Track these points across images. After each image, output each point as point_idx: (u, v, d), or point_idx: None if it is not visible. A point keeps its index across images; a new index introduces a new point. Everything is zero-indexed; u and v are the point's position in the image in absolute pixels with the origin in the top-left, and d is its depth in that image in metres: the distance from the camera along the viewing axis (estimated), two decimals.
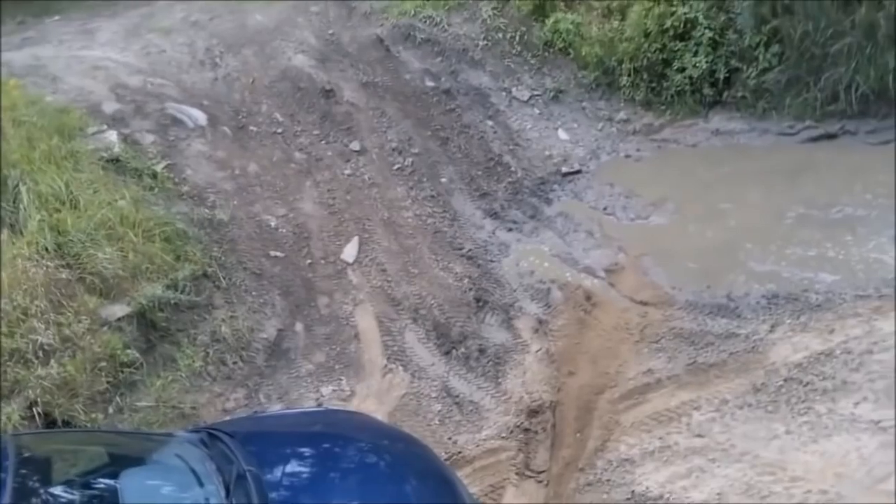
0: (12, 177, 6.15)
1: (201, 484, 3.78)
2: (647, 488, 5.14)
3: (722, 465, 5.23)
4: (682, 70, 8.48)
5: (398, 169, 8.02)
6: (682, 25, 8.43)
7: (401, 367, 6.29)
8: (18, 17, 10.13)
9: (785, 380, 5.72)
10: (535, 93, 8.94)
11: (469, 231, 7.62)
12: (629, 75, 8.71)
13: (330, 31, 9.19)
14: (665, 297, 6.77)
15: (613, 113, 8.80)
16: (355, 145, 8.13)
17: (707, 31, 8.36)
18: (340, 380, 6.17)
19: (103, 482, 3.63)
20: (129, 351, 5.55)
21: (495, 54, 9.10)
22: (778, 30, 8.15)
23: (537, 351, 6.40)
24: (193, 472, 3.85)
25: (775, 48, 8.18)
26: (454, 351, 6.49)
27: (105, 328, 5.56)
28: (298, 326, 6.51)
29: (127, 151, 6.96)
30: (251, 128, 7.98)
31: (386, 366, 6.29)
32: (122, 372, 5.49)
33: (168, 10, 9.61)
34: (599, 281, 7.01)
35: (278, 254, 6.95)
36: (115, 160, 6.84)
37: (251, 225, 7.08)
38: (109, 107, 7.57)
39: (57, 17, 9.90)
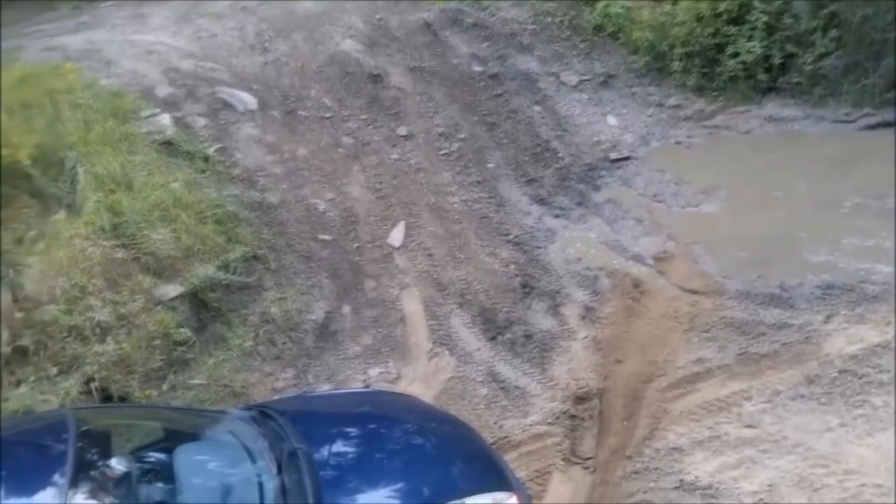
0: (69, 158, 6.29)
1: (253, 460, 3.84)
2: (697, 478, 5.07)
3: (773, 456, 5.14)
4: (736, 55, 8.32)
5: (445, 154, 8.01)
6: (736, 9, 8.28)
7: (447, 351, 6.30)
8: (73, 2, 10.34)
9: (840, 371, 5.60)
10: (584, 78, 8.85)
11: (515, 217, 7.59)
12: (681, 60, 8.57)
13: (378, 16, 9.20)
14: (716, 285, 6.67)
15: (664, 98, 8.67)
16: (402, 130, 8.14)
17: (762, 15, 8.19)
18: (387, 362, 6.20)
19: (159, 456, 3.71)
20: (182, 330, 5.65)
21: (544, 39, 9.03)
22: (836, 14, 7.95)
23: (584, 338, 6.36)
24: (246, 448, 3.92)
25: (833, 33, 7.98)
26: (500, 336, 6.48)
27: (159, 307, 5.66)
28: (346, 309, 6.56)
29: (179, 135, 7.07)
30: (300, 112, 8.04)
31: (432, 349, 6.31)
32: (176, 350, 5.60)
33: None
34: (648, 269, 6.94)
35: (326, 237, 7.00)
36: (168, 143, 6.95)
37: (300, 208, 7.14)
38: (162, 90, 7.69)
39: (110, 3, 10.08)
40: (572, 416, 5.71)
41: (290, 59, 8.53)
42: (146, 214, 6.04)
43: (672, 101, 8.66)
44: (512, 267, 6.98)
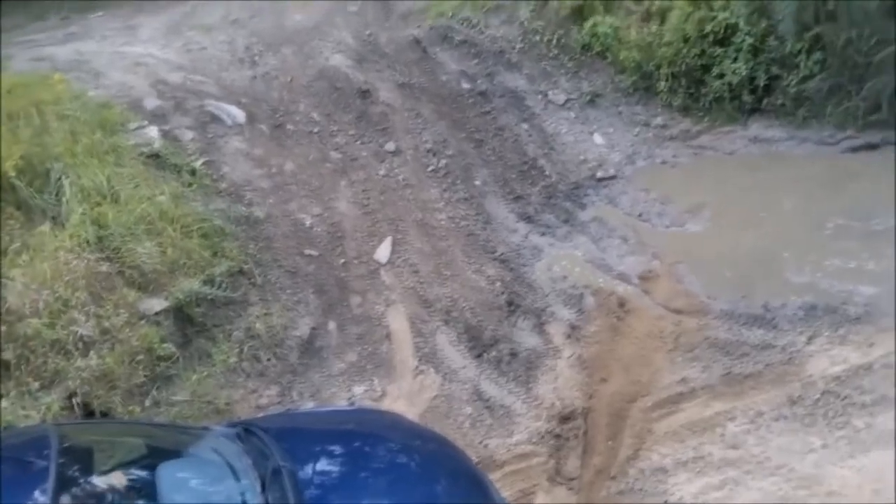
0: (55, 170, 6.26)
1: (237, 478, 3.82)
2: (681, 498, 5.11)
3: (757, 477, 5.18)
4: (722, 76, 8.38)
5: (432, 170, 8.03)
6: (722, 31, 8.33)
7: (432, 369, 6.30)
8: (63, 12, 10.32)
9: (822, 393, 5.65)
10: (572, 96, 8.90)
11: (502, 234, 7.60)
12: (667, 80, 8.63)
13: (367, 32, 9.23)
14: (700, 305, 6.70)
15: (650, 118, 8.72)
16: (390, 146, 8.15)
17: (748, 37, 8.26)
18: (372, 380, 6.19)
19: (142, 473, 3.69)
20: (165, 345, 5.63)
21: (532, 57, 9.07)
22: (820, 37, 8.02)
23: (569, 357, 6.38)
24: (229, 466, 3.90)
25: (817, 55, 8.06)
26: (485, 354, 6.49)
27: (143, 322, 5.63)
28: (331, 325, 6.55)
29: (167, 147, 7.06)
30: (288, 126, 8.05)
31: (417, 367, 6.31)
32: (159, 365, 5.57)
33: (209, 8, 9.73)
34: (633, 288, 6.96)
35: (313, 252, 7.00)
36: (155, 156, 6.94)
37: (287, 223, 7.13)
38: (150, 103, 7.68)
39: (100, 13, 10.06)
40: (557, 436, 5.72)
41: (279, 74, 8.54)
42: (132, 227, 6.01)
43: (658, 120, 8.72)
44: (498, 284, 6.99)
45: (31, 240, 5.77)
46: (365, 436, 4.56)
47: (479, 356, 6.46)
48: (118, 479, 3.55)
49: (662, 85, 8.69)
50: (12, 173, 5.94)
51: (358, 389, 6.08)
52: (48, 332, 5.26)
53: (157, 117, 7.50)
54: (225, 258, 6.37)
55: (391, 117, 8.40)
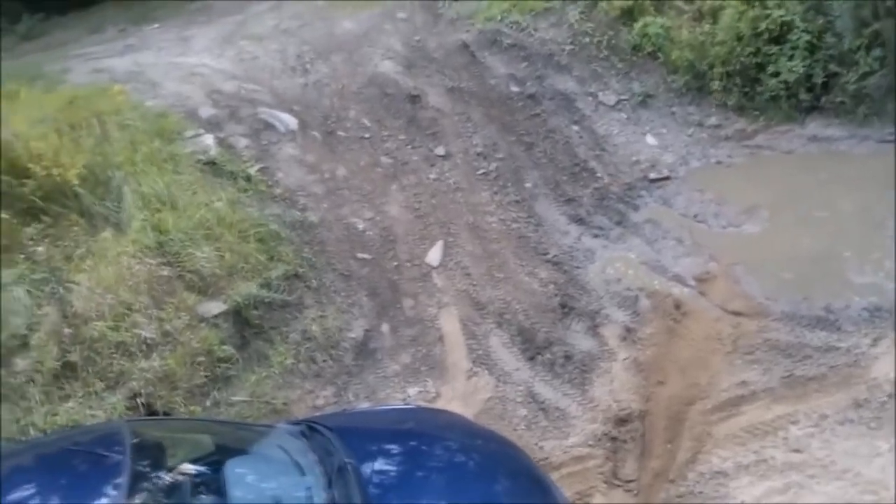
0: (116, 178, 6.42)
1: (303, 474, 3.86)
2: (742, 502, 4.99)
3: (821, 481, 5.05)
4: (777, 74, 8.24)
5: (483, 174, 8.03)
6: (777, 29, 8.20)
7: (486, 371, 6.29)
8: (120, 24, 10.62)
9: (888, 396, 5.51)
10: (623, 97, 8.83)
11: (554, 237, 7.56)
12: (721, 79, 8.52)
13: (416, 38, 9.29)
14: (759, 307, 6.58)
15: (704, 118, 8.61)
16: (440, 150, 8.18)
17: (804, 34, 8.11)
18: (426, 381, 6.20)
19: (210, 469, 3.74)
20: (225, 347, 5.71)
21: (582, 59, 9.03)
22: (879, 33, 7.84)
23: (625, 359, 6.31)
24: (295, 462, 3.94)
25: (877, 52, 7.87)
26: (539, 356, 6.45)
27: (203, 324, 5.73)
28: (385, 327, 6.58)
29: (223, 155, 7.19)
30: (339, 132, 8.13)
31: (471, 369, 6.30)
32: (219, 367, 5.66)
33: (260, 18, 9.91)
34: (689, 289, 6.86)
35: (366, 256, 7.05)
36: (211, 163, 7.07)
37: (340, 227, 7.20)
38: (205, 111, 7.83)
39: (156, 25, 10.33)
40: (613, 439, 5.66)
41: (330, 81, 8.64)
42: (190, 233, 6.13)
43: (712, 120, 8.60)
44: (551, 287, 6.96)
45: (95, 246, 5.92)
46: (425, 434, 4.61)
47: (532, 358, 6.43)
48: (188, 474, 3.60)
49: (716, 84, 8.57)
50: (76, 182, 6.10)
51: (412, 391, 6.10)
52: (112, 334, 5.39)
53: (212, 125, 7.65)
54: (281, 262, 6.45)
55: (441, 122, 8.43)
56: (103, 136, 6.78)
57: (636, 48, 8.98)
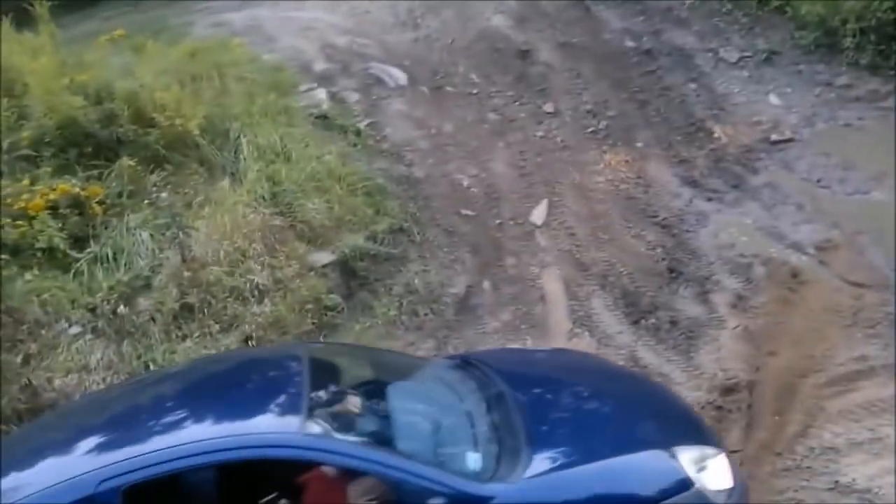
0: (234, 129, 6.66)
1: (462, 400, 3.98)
2: (854, 480, 4.76)
3: None
4: None
5: (592, 132, 7.86)
6: None
7: (587, 333, 6.19)
8: None
9: None
10: (745, 54, 8.38)
11: (664, 199, 7.32)
12: (854, 36, 7.94)
13: None
14: (883, 279, 6.18)
15: (833, 77, 8.07)
16: (549, 107, 8.05)
17: None
18: (526, 339, 6.18)
19: (375, 391, 3.91)
20: (332, 296, 5.89)
21: (702, 13, 8.66)
22: None
23: (734, 328, 6.08)
24: (454, 389, 4.08)
25: None
26: (643, 321, 6.30)
27: (312, 273, 5.92)
28: (486, 284, 6.59)
29: (334, 109, 7.35)
30: (447, 88, 8.12)
31: (572, 330, 6.23)
32: (326, 315, 5.84)
33: None
34: (808, 258, 6.51)
35: (469, 212, 7.06)
36: (323, 117, 7.25)
37: (444, 183, 7.24)
38: (319, 66, 8.00)
39: None
40: (719, 408, 5.49)
41: (439, 36, 8.62)
42: (302, 185, 6.32)
43: (842, 80, 8.04)
44: (658, 250, 6.77)
45: (213, 194, 6.19)
46: (574, 369, 4.75)
47: (636, 322, 6.29)
48: (357, 393, 3.79)
49: (849, 41, 8.01)
50: (196, 132, 6.38)
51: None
52: (228, 279, 5.64)
53: (324, 80, 7.80)
54: (387, 216, 6.56)
55: (550, 78, 8.28)
56: (222, 88, 7.04)
57: (762, 1, 8.52)
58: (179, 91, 6.60)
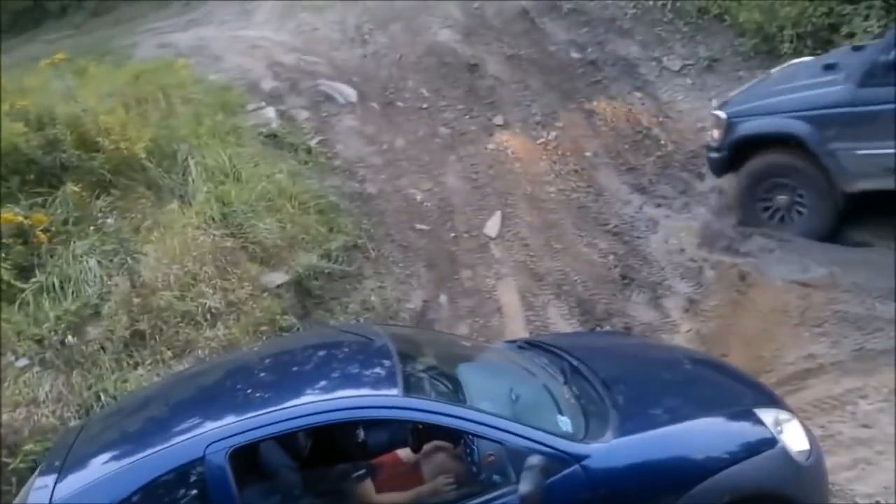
0: (182, 151, 6.59)
1: (536, 375, 4.02)
2: None
3: (890, 457, 4.84)
4: (852, 35, 7.82)
5: (542, 143, 7.94)
6: None
7: None
8: None
9: None
10: (688, 62, 8.56)
11: (615, 206, 7.43)
12: (791, 42, 8.15)
13: (475, 5, 9.20)
14: (829, 278, 6.34)
15: None
16: (499, 119, 8.12)
17: None
18: None
19: (448, 370, 3.91)
20: (287, 316, 5.82)
21: (645, 23, 8.80)
22: None
23: (687, 331, 6.19)
24: (525, 368, 4.12)
25: None
26: (598, 328, 6.39)
27: (265, 294, 5.86)
28: (443, 298, 6.61)
29: (284, 127, 7.32)
30: (398, 103, 8.15)
31: None
32: (281, 335, 5.78)
33: None
34: (755, 260, 6.65)
35: (423, 227, 7.08)
36: (272, 135, 7.21)
37: (398, 198, 7.25)
38: (267, 84, 7.96)
39: None
40: None
41: (388, 51, 8.65)
42: (253, 204, 6.27)
43: None
44: (611, 257, 6.87)
45: (162, 217, 6.11)
46: (633, 345, 5.03)
47: (591, 331, 6.36)
48: (430, 370, 3.80)
49: (786, 47, 8.21)
50: (142, 155, 6.30)
51: None
52: (179, 303, 5.55)
53: (273, 98, 7.76)
54: (340, 233, 6.55)
55: (499, 90, 8.36)
56: (169, 109, 6.98)
57: (702, 11, 8.70)
58: (124, 114, 6.54)
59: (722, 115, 6.62)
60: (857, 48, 6.66)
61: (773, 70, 7.34)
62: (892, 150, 5.76)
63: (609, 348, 4.86)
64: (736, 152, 6.59)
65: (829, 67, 6.36)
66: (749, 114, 6.51)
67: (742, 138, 6.49)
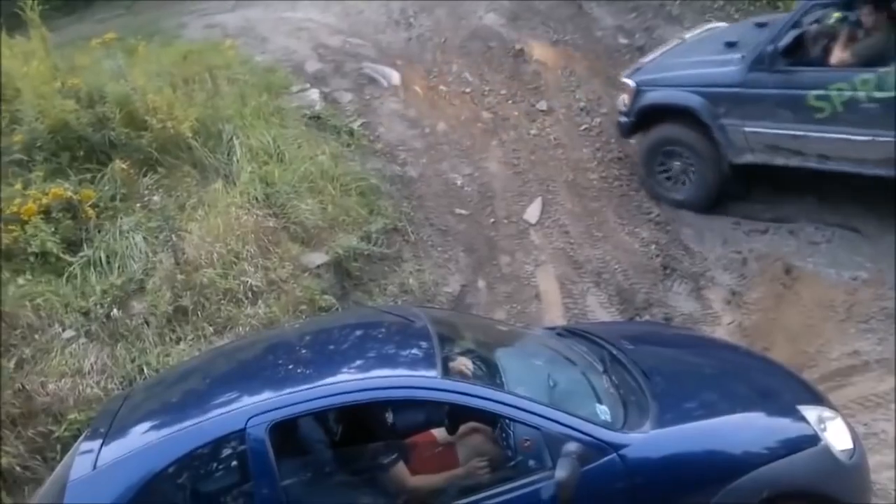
0: (226, 131, 6.64)
1: (575, 362, 4.02)
2: None
3: None
4: None
5: (585, 129, 7.86)
6: None
7: None
8: None
9: None
10: None
11: None
12: None
13: None
14: (877, 274, 6.19)
15: None
16: (542, 105, 8.05)
17: None
18: None
19: (486, 354, 3.94)
20: (326, 296, 5.86)
21: (695, 8, 8.66)
22: None
23: (729, 323, 6.12)
24: (563, 355, 4.12)
25: None
26: (637, 318, 6.34)
27: (305, 274, 5.90)
28: (481, 283, 6.60)
29: (327, 109, 7.33)
30: (441, 87, 8.11)
31: None
32: (321, 315, 5.83)
33: None
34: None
35: (463, 211, 7.06)
36: (316, 117, 7.22)
37: (438, 182, 7.23)
38: (311, 66, 7.97)
39: None
40: None
41: (433, 35, 8.60)
42: (296, 185, 6.30)
43: None
44: (653, 247, 6.81)
45: (206, 196, 6.18)
46: (676, 337, 5.08)
47: (630, 319, 6.32)
48: (472, 353, 3.83)
49: None
50: (189, 134, 6.36)
51: None
52: (221, 281, 5.62)
53: (317, 80, 7.78)
54: (380, 216, 6.55)
55: (544, 76, 8.28)
56: (215, 90, 7.01)
57: None
58: (171, 94, 6.59)
59: (631, 83, 7.18)
60: (760, 24, 7.08)
61: (687, 35, 7.75)
62: (772, 130, 6.45)
63: (649, 338, 4.82)
64: (642, 118, 7.16)
65: (730, 45, 6.89)
66: (655, 84, 7.11)
67: (647, 106, 7.09)
